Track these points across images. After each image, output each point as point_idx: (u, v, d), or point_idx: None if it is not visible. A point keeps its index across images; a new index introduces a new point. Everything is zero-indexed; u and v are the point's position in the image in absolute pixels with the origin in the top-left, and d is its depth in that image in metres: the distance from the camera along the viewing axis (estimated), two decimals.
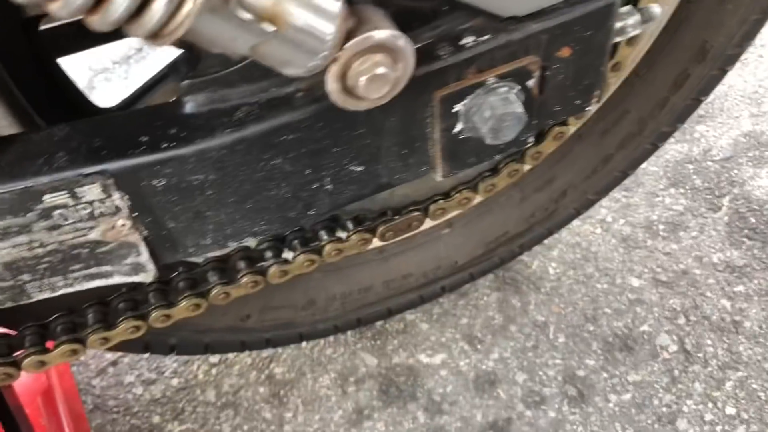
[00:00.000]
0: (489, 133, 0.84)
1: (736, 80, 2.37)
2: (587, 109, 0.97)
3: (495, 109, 0.83)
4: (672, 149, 2.18)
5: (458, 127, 0.87)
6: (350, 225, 1.16)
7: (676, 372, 1.70)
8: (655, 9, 0.95)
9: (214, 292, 1.12)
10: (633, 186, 2.10)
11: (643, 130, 1.53)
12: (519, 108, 0.84)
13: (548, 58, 0.86)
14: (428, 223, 1.47)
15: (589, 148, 1.55)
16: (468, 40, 0.81)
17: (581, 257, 1.96)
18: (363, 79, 0.68)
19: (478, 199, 1.26)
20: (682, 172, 2.13)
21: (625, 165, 1.61)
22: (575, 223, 2.02)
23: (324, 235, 1.14)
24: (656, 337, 1.77)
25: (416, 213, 1.18)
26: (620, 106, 1.48)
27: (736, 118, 2.25)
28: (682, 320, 1.80)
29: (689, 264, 1.91)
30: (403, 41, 0.69)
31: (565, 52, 0.87)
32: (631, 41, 1.05)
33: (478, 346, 1.81)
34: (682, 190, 2.08)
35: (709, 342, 1.75)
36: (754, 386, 1.66)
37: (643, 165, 1.91)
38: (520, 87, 0.86)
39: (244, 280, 1.13)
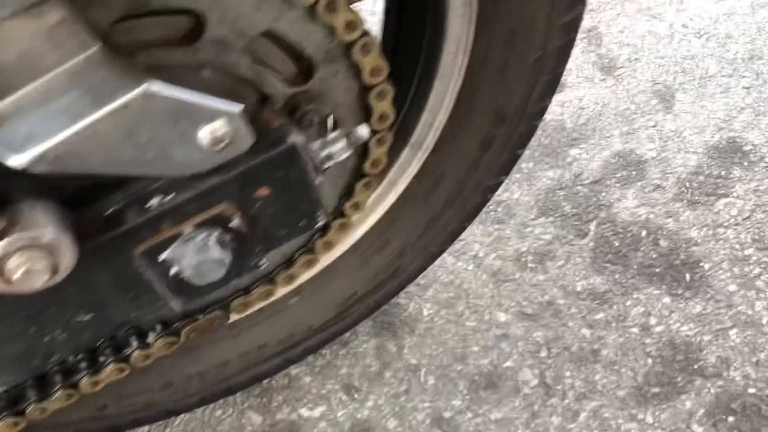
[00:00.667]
0: (195, 275, 0.93)
1: (610, 98, 2.44)
2: (316, 226, 1.06)
3: (193, 255, 0.92)
4: (544, 176, 2.26)
5: (173, 270, 0.96)
6: (156, 329, 1.25)
7: (536, 407, 1.79)
8: (362, 131, 1.04)
9: (29, 408, 1.22)
10: (505, 218, 2.18)
11: (464, 189, 1.61)
12: (216, 253, 0.93)
13: (246, 200, 0.95)
14: (276, 294, 1.57)
15: (415, 210, 1.63)
16: (154, 201, 0.90)
17: (453, 295, 2.05)
18: (18, 273, 0.78)
19: (280, 290, 1.35)
20: (553, 200, 2.20)
21: (459, 219, 1.69)
22: (449, 260, 2.11)
23: (133, 342, 1.23)
24: (519, 372, 1.86)
25: (218, 312, 1.28)
26: (435, 172, 1.57)
27: (608, 138, 2.32)
28: (544, 353, 1.89)
29: (554, 294, 1.99)
30: (53, 235, 0.78)
31: (263, 191, 0.96)
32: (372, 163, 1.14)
33: (356, 395, 1.91)
34: (551, 219, 2.16)
35: (567, 373, 1.84)
36: (607, 415, 1.74)
37: (515, 196, 2.00)
38: (220, 231, 0.95)
39: (58, 394, 1.23)
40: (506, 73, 1.41)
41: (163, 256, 0.94)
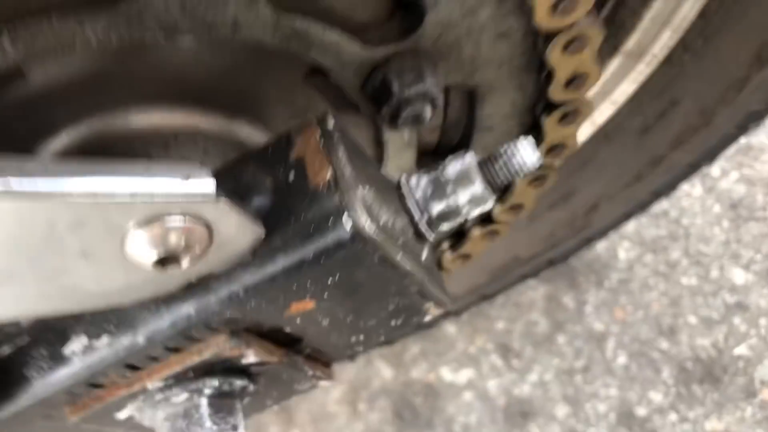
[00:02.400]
0: None
1: None
2: (423, 321, 0.53)
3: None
4: None
5: None
6: None
7: None
8: (526, 153, 0.44)
9: None
10: None
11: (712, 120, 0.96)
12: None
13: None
14: None
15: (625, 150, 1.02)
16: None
17: (666, 233, 1.44)
18: None
19: None
20: None
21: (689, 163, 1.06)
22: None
23: None
24: (757, 366, 1.28)
25: None
26: (667, 92, 0.93)
27: None
28: None
29: None
30: None
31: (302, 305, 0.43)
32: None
33: (514, 362, 1.44)
34: None
35: None
36: None
37: None
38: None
39: None
40: None
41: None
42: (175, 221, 0.34)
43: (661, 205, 1.46)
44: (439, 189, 0.45)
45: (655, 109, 0.95)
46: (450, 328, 1.52)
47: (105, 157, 0.53)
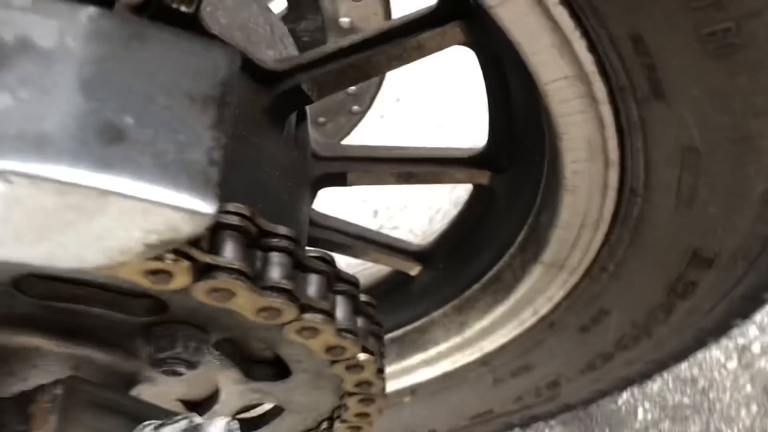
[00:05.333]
0: None
1: None
2: None
3: None
4: None
5: None
6: None
7: None
8: None
9: None
10: None
11: (651, 335, 0.97)
12: None
13: None
14: None
15: (569, 343, 1.05)
16: None
17: (690, 402, 1.38)
18: None
19: None
20: None
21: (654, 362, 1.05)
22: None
23: None
24: None
25: None
26: (594, 304, 0.96)
27: None
28: None
29: None
30: None
31: None
32: None
33: None
34: None
35: None
36: None
37: None
38: None
39: None
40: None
41: None
42: None
43: (691, 369, 1.40)
44: None
45: (588, 314, 0.97)
46: None
47: None
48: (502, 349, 1.12)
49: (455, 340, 1.14)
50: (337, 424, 0.86)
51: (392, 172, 0.95)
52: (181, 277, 0.53)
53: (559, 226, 0.86)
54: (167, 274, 0.52)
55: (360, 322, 0.70)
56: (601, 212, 0.80)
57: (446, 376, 1.21)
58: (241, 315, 0.59)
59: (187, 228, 0.40)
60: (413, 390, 1.27)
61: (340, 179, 0.96)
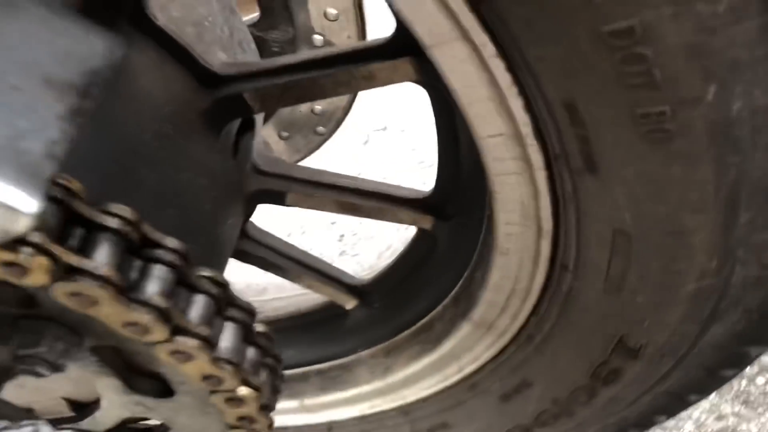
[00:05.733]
0: None
1: None
2: None
3: None
4: None
5: None
6: None
7: None
8: None
9: None
10: None
11: (573, 415, 0.92)
12: None
13: None
14: None
15: (490, 410, 1.00)
16: None
17: None
18: None
19: None
20: None
21: None
22: None
23: None
24: None
25: None
26: (517, 373, 0.92)
27: None
28: None
29: None
30: None
31: None
32: None
33: None
34: None
35: None
36: None
37: None
38: None
39: None
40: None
41: None
42: None
43: None
44: None
45: (511, 382, 0.93)
46: None
47: None
48: (424, 401, 1.07)
49: (377, 384, 1.09)
50: None
51: (334, 199, 0.91)
52: (39, 275, 0.49)
53: (488, 288, 0.82)
54: (22, 269, 0.48)
55: (250, 353, 0.66)
56: (531, 281, 0.76)
57: (364, 419, 1.16)
58: (108, 326, 0.55)
59: (5, 224, 0.36)
60: (330, 427, 1.22)
61: (278, 197, 0.92)
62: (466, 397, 1.01)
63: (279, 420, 1.24)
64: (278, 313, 1.23)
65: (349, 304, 1.12)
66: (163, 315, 0.54)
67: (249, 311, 0.64)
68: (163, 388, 0.74)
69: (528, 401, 0.94)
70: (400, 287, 1.06)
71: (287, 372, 1.21)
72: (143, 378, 0.73)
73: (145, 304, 0.53)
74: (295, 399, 1.19)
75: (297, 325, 1.21)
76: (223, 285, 0.61)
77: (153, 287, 0.54)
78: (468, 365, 0.96)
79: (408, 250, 1.02)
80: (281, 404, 1.22)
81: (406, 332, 1.05)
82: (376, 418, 1.14)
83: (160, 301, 0.53)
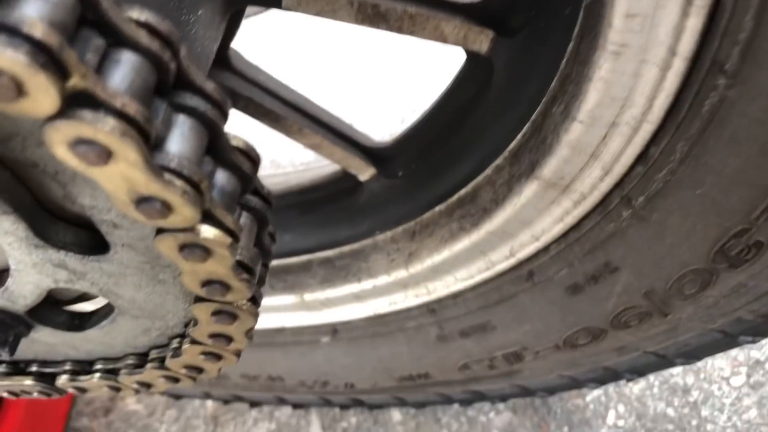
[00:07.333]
0: None
1: None
2: None
3: None
4: None
5: None
6: None
7: None
8: None
9: None
10: None
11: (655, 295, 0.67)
12: None
13: None
14: None
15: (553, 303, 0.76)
16: None
17: (677, 417, 1.11)
18: None
19: None
20: None
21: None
22: None
23: None
24: None
25: None
26: (600, 252, 0.66)
27: None
28: None
29: None
30: None
31: None
32: None
33: None
34: None
35: None
36: None
37: None
38: None
39: None
40: None
41: None
42: None
43: (685, 376, 1.12)
44: None
45: (586, 267, 0.68)
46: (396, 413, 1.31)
47: None
48: (458, 297, 0.83)
49: (399, 274, 0.85)
50: (186, 346, 0.57)
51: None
52: None
53: (578, 119, 0.55)
54: None
55: (217, 172, 0.40)
56: (655, 93, 0.50)
57: (378, 320, 0.93)
58: None
59: None
60: (335, 329, 0.98)
61: None
62: (517, 289, 0.76)
63: (274, 319, 1.01)
64: (275, 190, 0.97)
65: (364, 173, 0.86)
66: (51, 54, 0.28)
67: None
68: (91, 241, 0.50)
69: (608, 294, 0.69)
70: (432, 149, 0.81)
71: (284, 261, 0.96)
72: (59, 223, 0.48)
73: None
74: (293, 293, 0.95)
75: (296, 203, 0.95)
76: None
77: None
78: (527, 244, 0.71)
79: (447, 94, 0.76)
80: (276, 300, 0.99)
81: (439, 208, 0.80)
82: (394, 317, 0.90)
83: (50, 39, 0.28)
